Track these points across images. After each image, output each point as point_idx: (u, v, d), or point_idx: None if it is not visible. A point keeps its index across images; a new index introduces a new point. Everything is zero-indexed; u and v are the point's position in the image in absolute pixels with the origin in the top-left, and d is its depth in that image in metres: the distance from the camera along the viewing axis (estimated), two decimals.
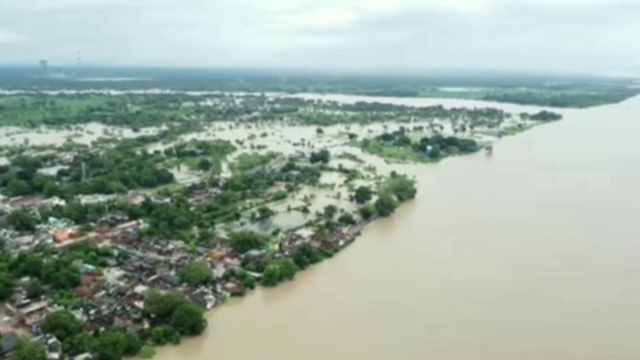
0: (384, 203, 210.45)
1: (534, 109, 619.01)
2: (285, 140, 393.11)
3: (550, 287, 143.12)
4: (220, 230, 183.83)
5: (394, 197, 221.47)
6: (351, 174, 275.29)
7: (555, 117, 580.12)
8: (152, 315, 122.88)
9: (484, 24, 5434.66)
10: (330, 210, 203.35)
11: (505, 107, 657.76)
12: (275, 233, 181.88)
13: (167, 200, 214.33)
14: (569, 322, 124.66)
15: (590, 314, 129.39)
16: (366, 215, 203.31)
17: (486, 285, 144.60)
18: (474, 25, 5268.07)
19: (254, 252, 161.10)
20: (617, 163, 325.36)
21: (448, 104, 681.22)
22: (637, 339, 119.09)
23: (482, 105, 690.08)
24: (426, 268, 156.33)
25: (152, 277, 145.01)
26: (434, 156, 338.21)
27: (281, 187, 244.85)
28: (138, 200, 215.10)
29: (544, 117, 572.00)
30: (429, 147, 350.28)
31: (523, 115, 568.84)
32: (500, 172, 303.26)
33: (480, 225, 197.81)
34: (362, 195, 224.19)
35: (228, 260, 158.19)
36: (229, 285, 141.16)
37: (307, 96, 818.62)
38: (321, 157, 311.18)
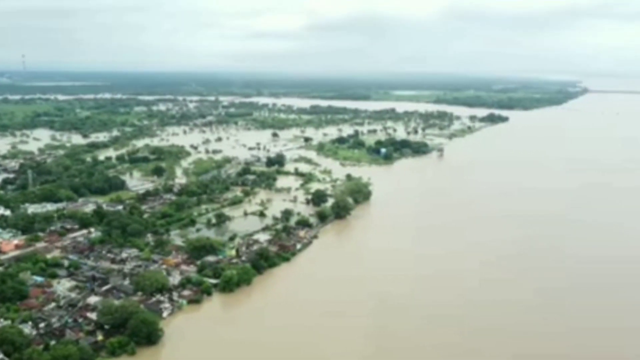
0: (340, 206, 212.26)
1: (482, 112, 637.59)
2: (240, 144, 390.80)
3: (492, 287, 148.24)
4: (176, 237, 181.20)
5: (350, 200, 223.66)
6: (307, 178, 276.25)
7: (503, 119, 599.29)
8: (106, 327, 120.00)
9: (432, 30, 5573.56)
10: (287, 214, 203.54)
11: (455, 109, 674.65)
12: (232, 238, 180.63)
13: (120, 207, 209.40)
14: (496, 320, 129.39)
15: (507, 312, 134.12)
16: (323, 218, 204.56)
17: (441, 282, 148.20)
18: (422, 31, 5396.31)
19: (211, 258, 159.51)
20: (570, 163, 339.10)
21: (400, 107, 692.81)
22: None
23: (433, 108, 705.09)
24: (382, 268, 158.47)
25: (105, 287, 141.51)
26: (388, 158, 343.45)
27: (237, 191, 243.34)
28: (89, 208, 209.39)
29: (492, 119, 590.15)
30: (383, 150, 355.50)
31: (472, 118, 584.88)
32: (451, 173, 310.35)
33: (433, 225, 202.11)
34: (318, 198, 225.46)
35: (184, 267, 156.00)
36: (186, 292, 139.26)
37: (261, 100, 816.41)
38: (277, 161, 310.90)
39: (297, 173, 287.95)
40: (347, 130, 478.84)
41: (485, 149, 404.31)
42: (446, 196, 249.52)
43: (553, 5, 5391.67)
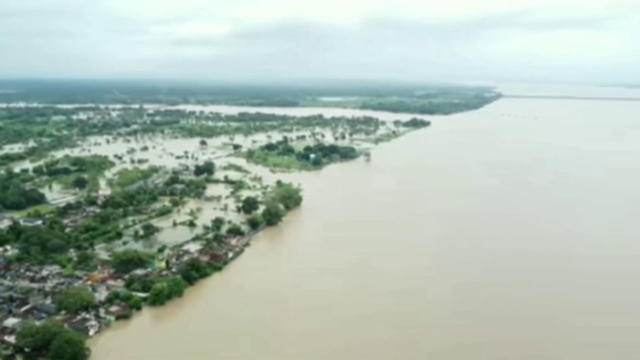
0: (271, 212, 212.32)
1: (405, 117, 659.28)
2: (167, 153, 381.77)
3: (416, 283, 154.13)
4: (101, 251, 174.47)
5: (281, 206, 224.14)
6: (237, 185, 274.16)
7: (425, 124, 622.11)
8: (27, 350, 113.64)
9: (357, 37, 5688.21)
10: (218, 222, 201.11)
11: (380, 115, 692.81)
12: (161, 250, 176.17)
13: (39, 222, 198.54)
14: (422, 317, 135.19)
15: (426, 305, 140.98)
16: (254, 225, 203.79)
17: (374, 287, 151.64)
18: (347, 38, 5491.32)
19: (139, 272, 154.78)
20: (488, 164, 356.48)
21: (328, 113, 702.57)
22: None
23: (359, 113, 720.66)
24: (314, 275, 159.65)
25: (25, 308, 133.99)
26: (317, 164, 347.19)
27: (165, 202, 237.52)
28: (4, 224, 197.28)
29: (415, 124, 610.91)
30: (312, 156, 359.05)
31: (396, 123, 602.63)
32: (378, 177, 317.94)
33: (362, 227, 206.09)
34: (249, 205, 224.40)
35: (111, 282, 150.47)
36: (114, 308, 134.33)
37: (188, 108, 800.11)
38: (206, 170, 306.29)
39: (227, 181, 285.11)
40: (276, 136, 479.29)
41: (409, 152, 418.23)
42: (374, 199, 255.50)
43: (467, 15, 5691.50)
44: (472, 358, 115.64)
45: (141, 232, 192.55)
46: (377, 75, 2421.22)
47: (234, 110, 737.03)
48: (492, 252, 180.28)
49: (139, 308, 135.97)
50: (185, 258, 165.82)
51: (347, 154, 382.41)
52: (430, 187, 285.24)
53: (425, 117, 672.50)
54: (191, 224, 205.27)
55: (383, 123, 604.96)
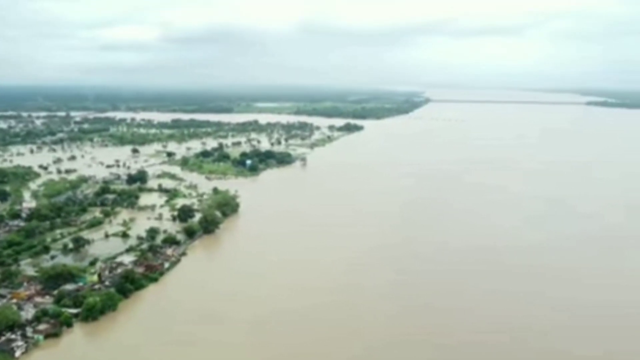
0: (208, 220, 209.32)
1: (339, 122, 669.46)
2: (97, 162, 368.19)
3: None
4: (27, 267, 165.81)
5: (218, 213, 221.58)
6: (172, 194, 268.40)
7: (358, 128, 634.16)
8: None
9: (290, 43, 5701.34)
10: (153, 232, 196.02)
11: (315, 120, 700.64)
12: (92, 263, 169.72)
13: None
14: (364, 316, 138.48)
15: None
16: (191, 234, 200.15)
17: (314, 288, 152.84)
18: (281, 44, 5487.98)
19: (70, 287, 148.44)
20: (418, 164, 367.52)
21: (263, 118, 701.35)
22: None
23: (294, 119, 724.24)
24: (252, 281, 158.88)
25: None
26: (254, 170, 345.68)
27: (96, 212, 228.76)
28: None
29: (349, 128, 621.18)
30: (249, 162, 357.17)
31: (331, 128, 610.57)
32: (314, 181, 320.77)
33: (301, 232, 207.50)
34: (185, 214, 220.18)
35: (38, 299, 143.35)
36: (42, 326, 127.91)
37: (118, 115, 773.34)
38: (139, 178, 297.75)
39: (161, 189, 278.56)
40: (211, 143, 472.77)
41: (344, 156, 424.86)
42: (311, 202, 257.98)
43: (396, 23, 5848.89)
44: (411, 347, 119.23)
45: (70, 245, 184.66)
46: (311, 81, 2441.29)
47: (166, 117, 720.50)
48: (422, 248, 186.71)
49: (70, 325, 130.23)
50: (119, 270, 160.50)
51: (284, 160, 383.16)
52: (364, 188, 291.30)
53: (359, 122, 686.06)
54: (124, 235, 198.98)
55: (318, 128, 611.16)
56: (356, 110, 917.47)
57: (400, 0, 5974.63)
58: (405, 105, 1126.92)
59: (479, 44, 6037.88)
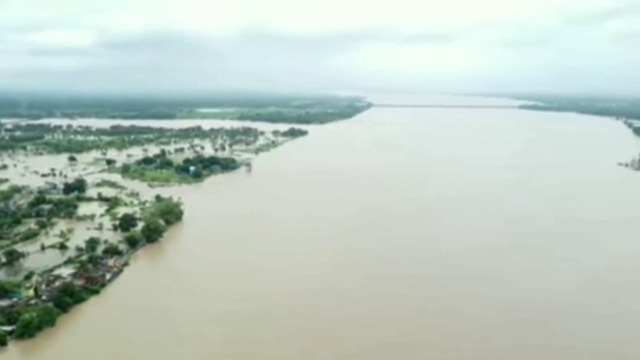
0: (151, 228, 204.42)
1: (284, 127, 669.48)
2: (31, 171, 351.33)
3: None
4: None
5: (161, 221, 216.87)
6: (113, 202, 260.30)
7: (302, 133, 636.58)
8: None
9: (233, 49, 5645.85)
10: (93, 243, 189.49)
11: (259, 125, 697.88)
12: (28, 277, 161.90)
13: None
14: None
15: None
16: (133, 243, 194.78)
17: (264, 292, 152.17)
18: (223, 49, 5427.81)
19: (3, 303, 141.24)
20: (364, 168, 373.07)
21: (206, 124, 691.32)
22: None
23: (238, 124, 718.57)
24: (198, 292, 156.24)
25: None
26: (198, 176, 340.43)
27: (31, 224, 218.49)
28: None
29: (293, 133, 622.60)
30: (192, 168, 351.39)
31: (275, 133, 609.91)
32: (260, 186, 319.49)
33: (247, 238, 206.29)
34: (126, 223, 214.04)
35: None
36: None
37: (54, 122, 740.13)
38: (77, 187, 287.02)
39: (101, 198, 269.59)
40: (153, 150, 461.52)
41: (289, 161, 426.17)
42: (256, 208, 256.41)
43: (338, 28, 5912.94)
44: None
45: (3, 259, 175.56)
46: (254, 86, 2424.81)
47: (105, 124, 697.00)
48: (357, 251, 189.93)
49: (4, 343, 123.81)
50: (57, 284, 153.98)
51: (228, 165, 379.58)
52: (310, 194, 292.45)
53: (303, 127, 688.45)
54: (62, 247, 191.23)
55: (262, 133, 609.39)
56: (300, 115, 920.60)
57: (341, 7, 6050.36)
58: (348, 109, 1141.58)
59: (417, 50, 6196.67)
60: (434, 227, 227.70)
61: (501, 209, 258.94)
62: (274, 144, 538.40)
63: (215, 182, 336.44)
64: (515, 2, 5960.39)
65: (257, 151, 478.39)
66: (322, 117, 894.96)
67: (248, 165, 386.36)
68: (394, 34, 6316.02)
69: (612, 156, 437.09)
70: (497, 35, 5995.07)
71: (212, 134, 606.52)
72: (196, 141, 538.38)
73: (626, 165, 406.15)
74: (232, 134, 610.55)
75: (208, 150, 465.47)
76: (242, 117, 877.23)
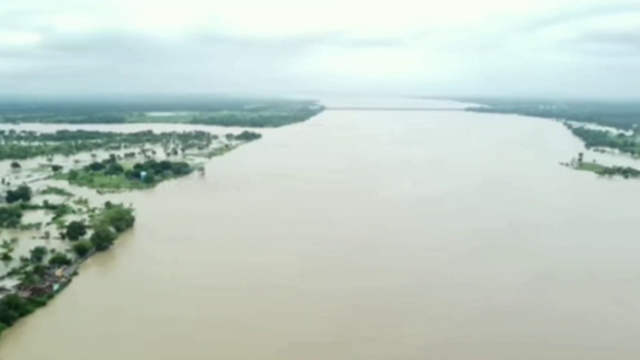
0: (101, 236, 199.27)
1: (237, 130, 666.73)
2: None
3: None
4: None
5: (112, 229, 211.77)
6: (60, 210, 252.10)
7: (256, 136, 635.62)
8: None
9: (184, 52, 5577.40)
10: (39, 252, 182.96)
11: (212, 129, 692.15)
12: None
13: None
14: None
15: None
16: (82, 252, 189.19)
17: (217, 297, 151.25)
18: (174, 52, 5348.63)
19: None
20: (316, 171, 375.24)
21: (158, 128, 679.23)
22: None
23: (190, 128, 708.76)
24: (150, 298, 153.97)
25: None
26: (149, 182, 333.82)
27: None
28: None
29: (247, 137, 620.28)
30: (143, 173, 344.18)
31: (229, 136, 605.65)
32: (212, 191, 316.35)
33: (200, 244, 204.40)
34: (75, 231, 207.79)
35: None
36: None
37: None
38: (21, 195, 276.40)
39: (48, 206, 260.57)
40: (102, 155, 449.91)
41: (243, 164, 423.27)
42: (211, 213, 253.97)
43: (291, 33, 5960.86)
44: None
45: None
46: (207, 90, 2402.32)
47: (51, 128, 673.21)
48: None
49: None
50: (1, 296, 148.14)
51: (181, 170, 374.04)
52: (264, 197, 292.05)
53: (256, 130, 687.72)
54: (5, 257, 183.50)
55: (215, 137, 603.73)
56: (254, 118, 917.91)
57: (295, 11, 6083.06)
58: (301, 113, 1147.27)
59: (370, 54, 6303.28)
60: (380, 231, 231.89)
61: (446, 209, 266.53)
62: (227, 148, 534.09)
63: (167, 187, 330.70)
64: (464, 8, 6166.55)
65: (211, 155, 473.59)
66: (276, 121, 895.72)
67: (201, 169, 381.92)
68: (347, 38, 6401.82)
69: (555, 156, 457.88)
70: (447, 40, 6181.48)
71: (163, 138, 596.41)
72: (147, 146, 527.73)
73: (567, 165, 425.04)
74: (185, 138, 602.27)
75: (160, 155, 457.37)
76: (194, 121, 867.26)
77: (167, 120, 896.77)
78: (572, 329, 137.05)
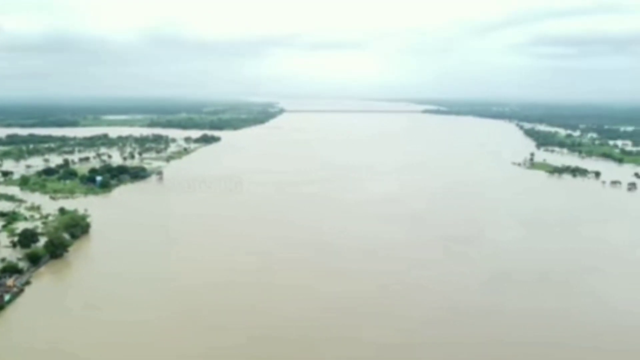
0: (55, 243, 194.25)
1: (196, 133, 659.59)
2: None
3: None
4: None
5: (66, 235, 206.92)
6: (11, 217, 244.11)
7: (216, 139, 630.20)
8: None
9: (138, 54, 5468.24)
10: None
11: (170, 132, 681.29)
12: None
13: None
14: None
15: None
16: (35, 260, 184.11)
17: (178, 303, 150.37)
18: (128, 54, 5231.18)
19: None
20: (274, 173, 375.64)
21: (114, 132, 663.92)
22: None
23: (148, 131, 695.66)
24: (106, 308, 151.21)
25: None
26: (105, 186, 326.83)
27: None
28: None
29: (206, 140, 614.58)
30: (99, 178, 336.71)
31: (187, 139, 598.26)
32: (170, 195, 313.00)
33: (158, 250, 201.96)
34: (27, 238, 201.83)
35: None
36: None
37: None
38: None
39: None
40: (55, 159, 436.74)
41: (201, 168, 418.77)
42: (169, 219, 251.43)
43: (249, 35, 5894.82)
44: None
45: None
46: (164, 93, 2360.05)
47: (0, 133, 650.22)
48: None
49: None
50: None
51: (138, 174, 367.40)
52: (225, 200, 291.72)
53: (216, 133, 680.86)
54: None
55: (174, 140, 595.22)
56: (213, 121, 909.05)
57: (249, 14, 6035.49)
58: (261, 115, 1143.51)
59: (329, 57, 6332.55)
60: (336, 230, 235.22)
61: (405, 209, 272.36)
62: (186, 151, 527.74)
63: (124, 192, 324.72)
64: (421, 12, 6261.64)
65: (169, 159, 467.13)
66: (236, 123, 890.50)
67: (159, 173, 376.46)
68: (304, 41, 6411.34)
69: (507, 156, 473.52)
70: (404, 44, 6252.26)
71: (120, 141, 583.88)
72: (103, 150, 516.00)
73: (519, 164, 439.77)
74: (142, 141, 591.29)
75: (116, 159, 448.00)
76: (152, 124, 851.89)
77: (123, 123, 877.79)
78: (527, 327, 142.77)
